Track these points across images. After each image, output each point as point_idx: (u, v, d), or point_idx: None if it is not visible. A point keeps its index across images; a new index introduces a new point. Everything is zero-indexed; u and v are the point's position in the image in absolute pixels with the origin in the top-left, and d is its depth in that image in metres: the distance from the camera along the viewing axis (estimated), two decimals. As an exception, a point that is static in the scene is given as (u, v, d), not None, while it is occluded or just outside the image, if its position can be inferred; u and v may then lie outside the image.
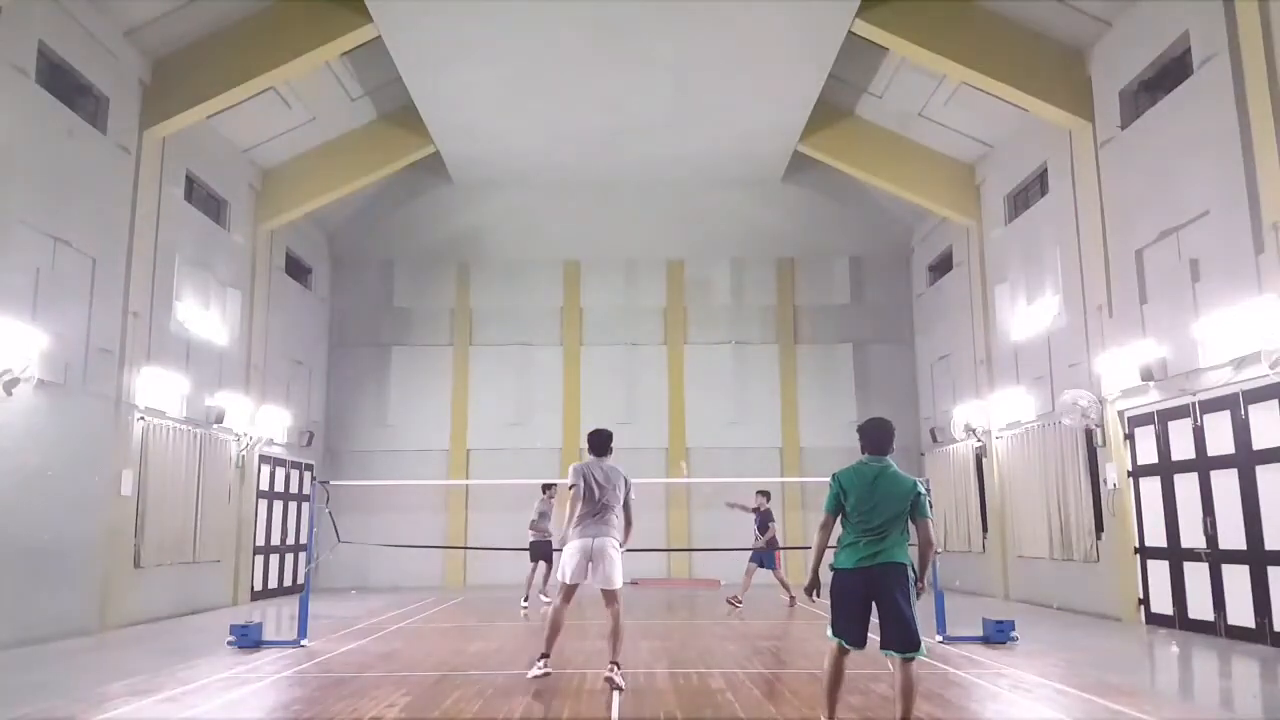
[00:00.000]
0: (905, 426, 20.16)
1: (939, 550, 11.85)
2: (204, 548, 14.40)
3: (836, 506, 5.36)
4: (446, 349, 20.70)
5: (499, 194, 19.95)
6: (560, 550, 7.50)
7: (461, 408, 20.38)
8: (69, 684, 7.82)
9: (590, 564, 7.24)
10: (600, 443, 7.67)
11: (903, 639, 5.07)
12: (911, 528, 5.28)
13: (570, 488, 7.43)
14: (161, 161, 13.47)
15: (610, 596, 7.32)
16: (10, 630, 10.08)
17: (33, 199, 10.81)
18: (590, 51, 14.45)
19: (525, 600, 14.22)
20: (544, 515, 14.40)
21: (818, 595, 5.42)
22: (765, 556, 13.88)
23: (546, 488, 14.52)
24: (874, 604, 5.18)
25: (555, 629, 7.39)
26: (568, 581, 7.31)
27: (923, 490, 5.29)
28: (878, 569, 5.14)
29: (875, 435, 5.45)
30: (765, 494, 14.37)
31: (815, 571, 5.42)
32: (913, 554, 5.29)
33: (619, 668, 7.16)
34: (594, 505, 7.34)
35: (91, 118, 12.13)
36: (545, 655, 7.35)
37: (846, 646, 5.25)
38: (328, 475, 18.56)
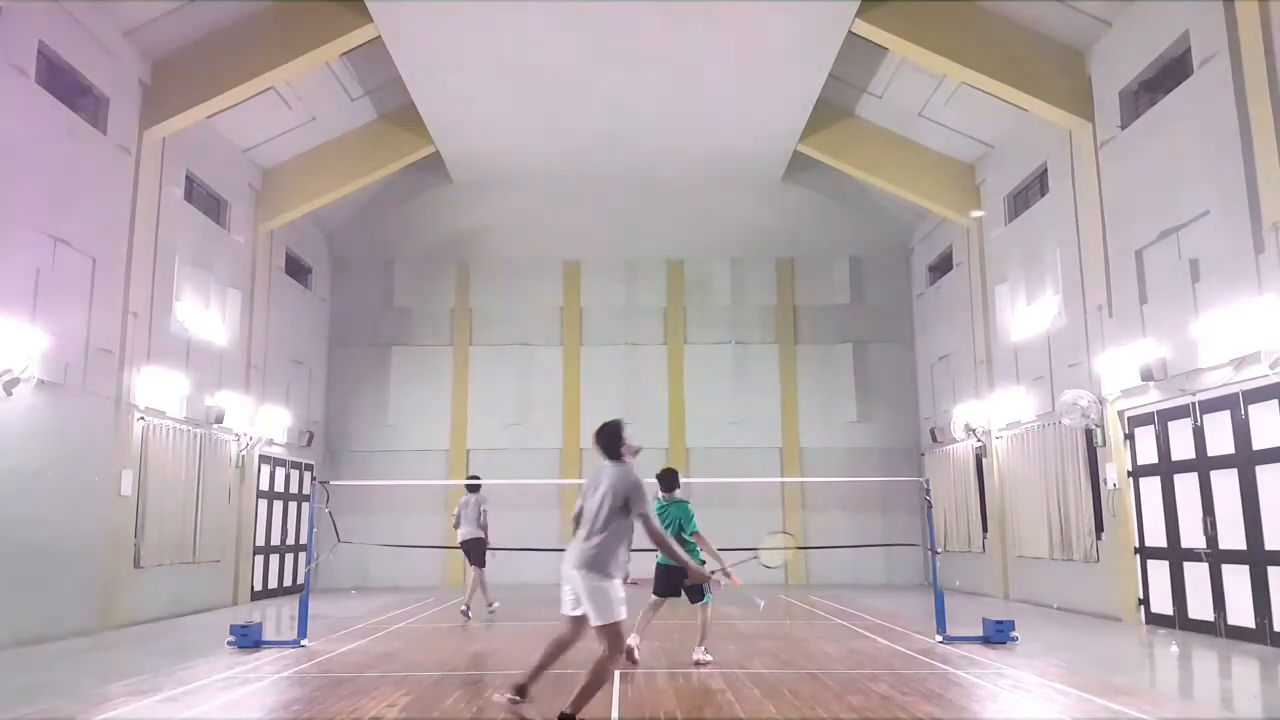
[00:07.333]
0: (905, 426, 20.21)
1: (939, 550, 11.84)
2: (204, 548, 14.40)
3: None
4: (446, 349, 20.71)
5: (499, 194, 19.93)
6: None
7: (461, 408, 20.38)
8: (69, 684, 7.81)
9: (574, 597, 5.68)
10: (602, 440, 5.99)
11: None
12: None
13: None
14: (161, 161, 13.47)
15: (597, 633, 5.55)
16: (10, 630, 10.08)
17: (33, 199, 10.80)
18: (590, 51, 14.44)
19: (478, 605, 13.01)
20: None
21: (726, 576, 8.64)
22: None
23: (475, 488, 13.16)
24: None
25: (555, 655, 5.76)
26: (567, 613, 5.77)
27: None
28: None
29: (670, 480, 9.00)
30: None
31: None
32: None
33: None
34: (583, 521, 5.82)
35: (91, 118, 12.12)
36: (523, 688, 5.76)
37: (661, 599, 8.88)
38: (328, 475, 18.60)
